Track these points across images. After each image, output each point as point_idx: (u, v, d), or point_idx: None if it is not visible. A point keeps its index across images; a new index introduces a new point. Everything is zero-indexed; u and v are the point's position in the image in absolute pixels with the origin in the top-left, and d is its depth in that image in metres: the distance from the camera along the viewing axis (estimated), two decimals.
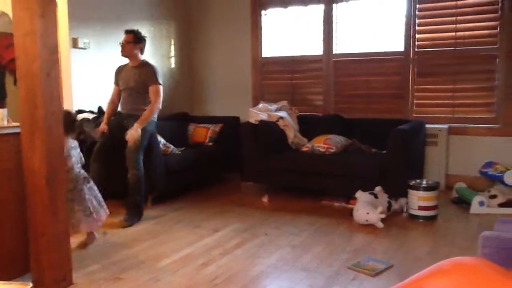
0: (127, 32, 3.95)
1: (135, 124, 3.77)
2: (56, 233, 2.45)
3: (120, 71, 4.07)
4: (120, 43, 3.94)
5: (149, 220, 3.82)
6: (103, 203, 3.21)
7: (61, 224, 2.48)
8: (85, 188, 3.09)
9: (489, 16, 4.57)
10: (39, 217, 2.44)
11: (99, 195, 3.20)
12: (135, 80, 3.92)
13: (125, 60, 4.02)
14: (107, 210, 3.23)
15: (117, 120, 4.02)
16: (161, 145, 4.31)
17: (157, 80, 3.90)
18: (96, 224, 3.16)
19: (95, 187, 3.18)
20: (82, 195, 3.06)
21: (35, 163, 2.41)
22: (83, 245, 3.19)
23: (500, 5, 4.47)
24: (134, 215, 3.74)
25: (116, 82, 4.08)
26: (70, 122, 3.07)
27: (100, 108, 4.51)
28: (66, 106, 4.45)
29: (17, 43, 2.42)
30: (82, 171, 3.15)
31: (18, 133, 2.48)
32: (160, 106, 3.94)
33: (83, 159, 3.22)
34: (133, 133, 3.73)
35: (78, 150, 3.16)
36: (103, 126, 3.98)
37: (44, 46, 2.36)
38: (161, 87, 3.93)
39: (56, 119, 2.43)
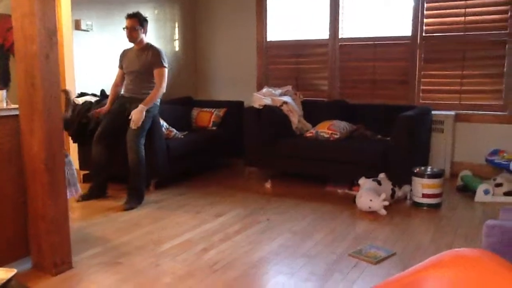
0: (131, 16, 3.87)
1: (140, 105, 3.74)
2: (55, 217, 2.44)
3: (124, 54, 4.03)
4: (124, 28, 3.88)
5: (150, 204, 3.81)
6: (76, 182, 3.05)
7: (60, 208, 2.47)
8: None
9: (499, 0, 4.46)
10: (38, 200, 2.43)
11: (75, 174, 3.06)
12: (140, 63, 3.88)
13: (128, 43, 3.98)
14: (77, 191, 3.05)
15: (119, 103, 3.99)
16: (163, 129, 4.28)
17: (162, 63, 3.86)
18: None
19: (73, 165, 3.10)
20: None
21: (34, 147, 2.39)
22: None
23: None
24: (135, 199, 3.73)
25: (121, 66, 4.05)
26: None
27: (102, 91, 4.48)
28: (68, 89, 4.43)
29: (15, 25, 2.39)
30: None
31: (17, 116, 2.45)
32: (165, 89, 3.91)
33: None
34: (138, 113, 3.70)
35: None
36: (106, 109, 3.96)
37: (43, 28, 2.32)
38: (166, 70, 3.90)
39: (55, 101, 2.40)
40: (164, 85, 3.89)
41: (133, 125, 3.70)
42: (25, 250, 2.54)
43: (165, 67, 3.88)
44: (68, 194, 3.13)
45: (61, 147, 2.48)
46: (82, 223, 3.32)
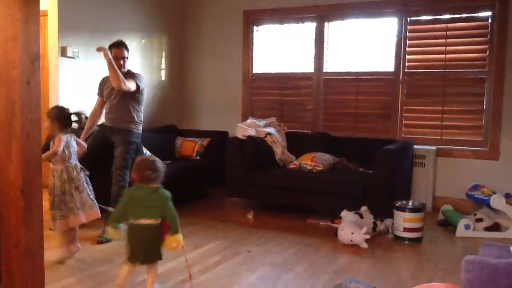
0: (119, 45, 3.86)
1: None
2: (29, 245, 2.37)
3: (104, 82, 4.01)
4: (113, 58, 3.85)
5: None
6: (95, 202, 3.19)
7: (35, 235, 2.40)
8: (82, 180, 3.11)
9: (478, 40, 4.61)
10: (12, 228, 2.36)
11: (93, 193, 3.20)
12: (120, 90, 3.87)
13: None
14: (98, 212, 3.19)
15: (101, 132, 3.96)
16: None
17: (138, 82, 3.83)
18: (81, 219, 3.10)
19: (89, 183, 3.19)
20: (77, 185, 3.07)
21: (10, 172, 2.34)
22: (65, 258, 3.12)
23: (489, 29, 4.51)
24: None
25: (101, 93, 4.02)
26: (66, 117, 3.11)
27: (86, 118, 4.44)
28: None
29: None
30: (78, 163, 3.15)
31: None
32: (126, 87, 3.73)
33: (85, 145, 3.26)
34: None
35: (74, 142, 3.15)
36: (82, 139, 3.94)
37: (26, 53, 2.31)
38: (141, 88, 3.86)
39: (35, 127, 2.37)
40: (131, 85, 3.76)
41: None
42: None
43: (139, 85, 3.84)
44: (92, 213, 3.12)
45: (39, 173, 2.43)
46: (57, 251, 3.23)
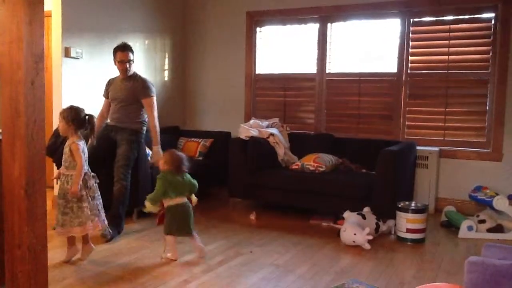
0: (125, 49, 3.88)
1: (154, 147, 3.88)
2: (32, 245, 2.38)
3: (110, 83, 4.04)
4: (118, 62, 3.88)
5: (132, 234, 3.75)
6: (102, 211, 3.22)
7: (38, 236, 2.41)
8: (96, 187, 3.14)
9: (481, 41, 4.60)
10: (15, 228, 2.37)
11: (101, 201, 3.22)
12: (126, 92, 3.89)
13: (115, 72, 4.00)
14: (104, 222, 3.22)
15: (104, 132, 3.98)
16: (149, 158, 4.25)
17: (150, 93, 3.89)
18: (99, 225, 3.14)
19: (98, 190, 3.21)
20: (91, 193, 3.09)
21: (14, 172, 2.35)
22: (81, 258, 3.14)
23: (492, 30, 4.50)
24: (114, 228, 3.67)
25: (106, 95, 4.05)
26: (82, 120, 3.10)
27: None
28: (55, 114, 4.42)
29: (3, 50, 2.39)
30: (90, 170, 3.16)
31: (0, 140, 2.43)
32: (157, 115, 3.94)
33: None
34: (157, 155, 3.78)
35: (86, 148, 3.15)
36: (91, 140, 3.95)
37: (30, 54, 2.32)
38: (154, 99, 3.94)
39: (39, 127, 2.38)
40: (156, 113, 3.93)
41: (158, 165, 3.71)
42: (1, 278, 2.47)
43: (152, 96, 3.91)
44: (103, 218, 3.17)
45: (43, 174, 2.44)
46: (60, 251, 3.24)
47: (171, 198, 3.17)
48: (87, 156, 3.13)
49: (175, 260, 3.15)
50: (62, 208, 3.01)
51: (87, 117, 3.14)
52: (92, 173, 3.16)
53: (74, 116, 3.08)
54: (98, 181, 3.19)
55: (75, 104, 3.20)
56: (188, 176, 3.29)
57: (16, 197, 2.36)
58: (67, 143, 3.08)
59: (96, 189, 3.15)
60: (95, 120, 3.25)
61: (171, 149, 3.42)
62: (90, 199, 3.07)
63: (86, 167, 3.09)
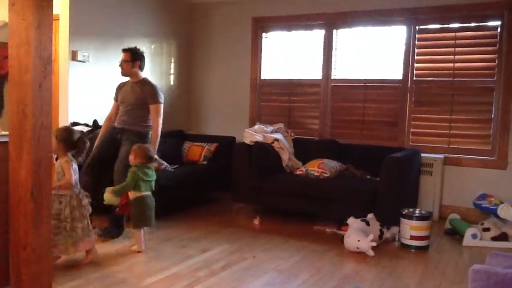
0: (125, 50, 3.96)
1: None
2: (37, 247, 2.40)
3: (120, 87, 4.08)
4: (119, 62, 3.95)
5: None
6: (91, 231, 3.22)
7: (43, 238, 2.43)
8: (89, 208, 3.13)
9: (487, 49, 4.60)
10: (21, 230, 2.39)
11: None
12: (134, 96, 3.91)
13: (125, 77, 4.04)
14: (94, 242, 3.22)
15: (110, 133, 4.00)
16: None
17: (158, 99, 3.91)
18: (92, 242, 3.16)
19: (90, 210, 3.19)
20: (84, 212, 3.08)
21: (21, 174, 2.37)
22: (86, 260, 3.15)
23: (498, 38, 4.50)
24: (115, 229, 3.68)
25: (116, 98, 4.08)
26: (73, 142, 3.09)
27: (95, 122, 4.49)
28: (61, 117, 4.44)
29: (11, 53, 2.41)
30: (82, 189, 3.16)
31: (6, 142, 2.45)
32: (161, 124, 3.94)
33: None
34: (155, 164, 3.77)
35: (76, 167, 3.15)
36: (97, 143, 3.97)
37: (38, 57, 2.35)
38: (162, 106, 3.95)
39: (46, 130, 2.40)
40: (160, 120, 3.93)
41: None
42: (6, 279, 2.48)
43: (160, 102, 3.92)
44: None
45: (49, 176, 2.46)
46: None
47: (140, 190, 3.36)
48: (77, 176, 3.12)
49: (140, 252, 3.36)
50: (54, 228, 2.84)
51: (79, 139, 3.13)
52: (86, 193, 3.15)
53: (65, 137, 3.07)
54: (90, 200, 3.17)
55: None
56: (152, 169, 3.55)
57: (22, 199, 2.38)
58: (57, 162, 3.08)
59: (89, 208, 3.13)
60: (87, 144, 3.21)
61: (137, 144, 3.57)
62: (82, 218, 3.06)
63: (78, 186, 3.10)
